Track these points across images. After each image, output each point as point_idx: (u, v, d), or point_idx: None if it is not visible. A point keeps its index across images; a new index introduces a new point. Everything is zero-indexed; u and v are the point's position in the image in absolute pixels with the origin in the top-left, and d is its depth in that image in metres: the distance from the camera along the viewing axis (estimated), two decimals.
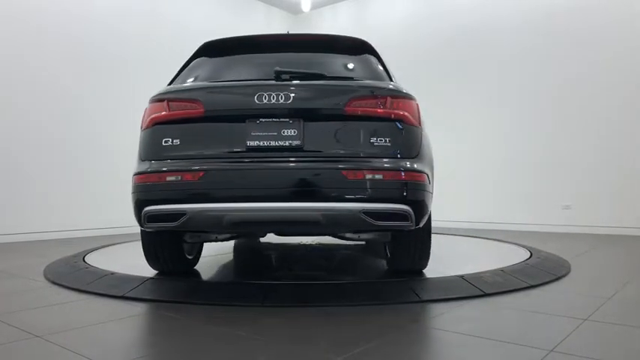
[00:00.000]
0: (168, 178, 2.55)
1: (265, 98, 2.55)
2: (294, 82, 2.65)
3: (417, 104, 2.76)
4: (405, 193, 2.47)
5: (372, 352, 1.84)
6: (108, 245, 4.76)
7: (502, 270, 3.18)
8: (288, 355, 1.84)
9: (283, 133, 2.54)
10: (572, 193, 6.59)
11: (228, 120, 2.62)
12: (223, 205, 2.48)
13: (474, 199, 7.38)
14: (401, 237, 2.93)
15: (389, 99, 2.61)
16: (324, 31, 9.37)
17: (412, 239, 2.90)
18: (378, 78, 2.83)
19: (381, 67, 2.95)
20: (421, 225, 2.67)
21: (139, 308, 2.55)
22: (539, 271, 3.30)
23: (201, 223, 2.60)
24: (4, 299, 2.82)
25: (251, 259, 4.20)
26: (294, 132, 2.53)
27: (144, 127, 2.76)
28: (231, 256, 4.20)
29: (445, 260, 3.89)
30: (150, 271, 3.24)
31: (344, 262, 4.02)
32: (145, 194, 2.60)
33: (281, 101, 2.54)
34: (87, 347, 1.94)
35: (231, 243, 4.89)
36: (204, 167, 2.52)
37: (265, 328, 2.19)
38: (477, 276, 2.97)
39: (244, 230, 3.09)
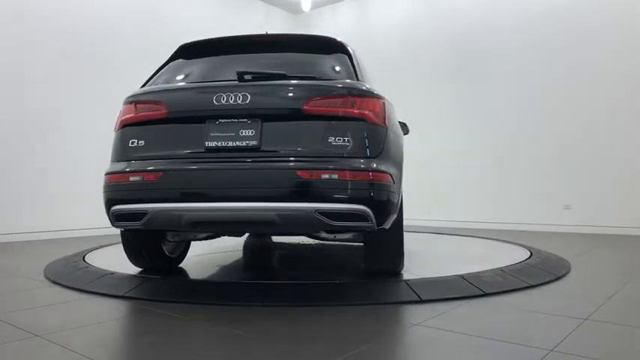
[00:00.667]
0: (132, 179, 2.62)
1: (224, 99, 2.58)
2: (252, 82, 2.64)
3: (383, 103, 2.71)
4: (362, 193, 2.44)
5: (372, 352, 1.84)
6: (108, 245, 4.76)
7: (502, 270, 3.18)
8: (288, 355, 1.84)
9: (241, 133, 2.56)
10: (572, 193, 6.59)
11: (190, 121, 2.65)
12: (181, 205, 2.53)
13: (475, 199, 7.38)
14: (371, 237, 2.88)
15: (349, 98, 2.58)
16: (324, 31, 9.37)
17: (382, 240, 2.86)
18: (346, 77, 2.78)
19: (351, 67, 2.87)
20: (387, 226, 2.65)
21: (139, 308, 2.55)
22: (539, 270, 3.30)
23: (162, 223, 2.65)
24: (4, 298, 2.82)
25: (252, 258, 4.20)
26: (252, 132, 2.55)
27: (115, 129, 2.84)
28: (231, 255, 4.20)
29: (445, 260, 3.89)
30: (150, 271, 3.24)
31: (344, 261, 4.02)
32: (112, 194, 2.69)
33: (239, 102, 2.56)
34: (87, 347, 1.94)
35: (235, 241, 4.89)
36: (164, 168, 2.57)
37: (265, 327, 2.19)
38: (477, 276, 2.97)
39: (203, 230, 3.09)
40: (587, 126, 6.53)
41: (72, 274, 3.27)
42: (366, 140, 2.54)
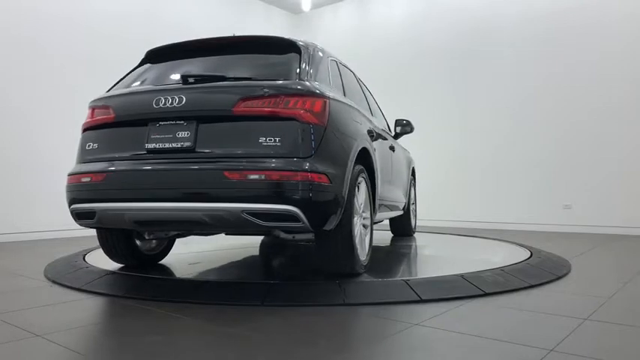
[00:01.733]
0: (83, 180, 2.79)
1: (162, 102, 2.66)
2: (190, 85, 2.71)
3: (325, 102, 2.68)
4: (289, 194, 2.44)
5: (372, 352, 1.84)
6: None
7: (502, 269, 3.18)
8: (288, 355, 1.84)
9: (178, 135, 2.62)
10: (572, 193, 6.59)
11: (134, 124, 2.77)
12: (123, 205, 2.67)
13: (475, 199, 7.38)
14: (319, 238, 2.86)
15: (281, 98, 2.58)
16: (323, 31, 9.38)
17: (329, 241, 2.82)
18: (289, 77, 2.77)
19: (298, 66, 2.86)
20: (328, 227, 2.66)
21: (139, 307, 2.55)
22: (540, 270, 3.30)
23: (110, 221, 2.81)
24: (4, 298, 2.82)
25: (254, 257, 4.19)
26: (187, 134, 2.61)
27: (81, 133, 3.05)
28: (232, 255, 4.20)
29: (446, 259, 3.89)
30: (151, 271, 3.24)
31: None
32: (69, 194, 2.90)
33: (175, 104, 2.63)
34: (87, 346, 1.94)
35: (235, 240, 4.89)
36: (109, 169, 2.72)
37: (265, 327, 2.19)
38: (477, 275, 2.97)
39: (149, 229, 3.18)
40: (588, 126, 6.53)
41: (72, 274, 3.27)
42: (298, 140, 2.52)
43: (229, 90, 2.67)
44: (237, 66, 3.00)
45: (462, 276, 2.93)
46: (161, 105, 2.66)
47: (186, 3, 7.69)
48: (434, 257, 4.08)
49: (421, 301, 2.58)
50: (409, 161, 5.36)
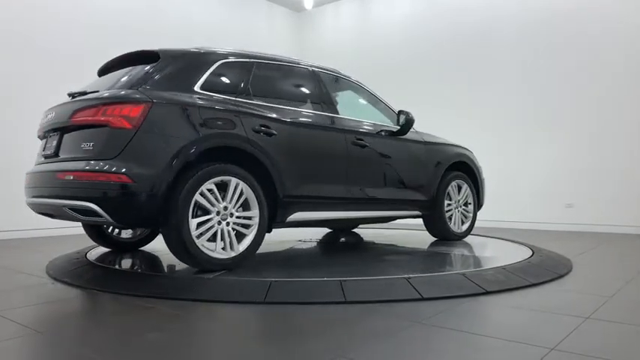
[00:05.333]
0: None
1: (47, 117, 3.31)
2: (62, 102, 3.25)
3: (143, 107, 2.84)
4: (89, 192, 2.77)
5: (373, 351, 1.84)
6: None
7: (504, 268, 3.18)
8: (288, 353, 1.84)
9: (52, 143, 3.18)
10: (574, 192, 6.58)
11: (44, 136, 3.39)
12: (29, 200, 3.31)
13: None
14: (163, 231, 3.09)
15: (100, 107, 2.89)
16: (325, 29, 9.38)
17: (168, 236, 2.96)
18: (130, 86, 3.04)
19: (146, 75, 3.10)
20: (132, 222, 3.12)
21: (140, 305, 2.56)
22: (541, 269, 3.30)
23: (37, 211, 3.35)
24: (7, 295, 2.83)
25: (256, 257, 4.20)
26: (55, 142, 3.14)
27: None
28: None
29: (447, 257, 3.89)
30: (151, 269, 3.24)
31: (345, 259, 4.02)
32: None
33: (50, 118, 3.24)
34: (88, 344, 1.95)
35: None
36: (29, 171, 3.38)
37: (266, 325, 2.19)
38: (479, 274, 2.97)
39: (45, 216, 3.50)
40: (589, 125, 6.51)
41: (74, 271, 3.28)
42: (106, 143, 2.82)
43: (72, 103, 3.11)
44: (111, 81, 3.27)
45: (463, 274, 2.93)
46: (46, 119, 3.30)
47: (188, 1, 7.69)
48: (435, 255, 4.08)
49: (422, 299, 2.58)
50: (432, 156, 4.61)
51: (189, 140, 2.95)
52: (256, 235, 3.20)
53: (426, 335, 2.02)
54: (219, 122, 3.14)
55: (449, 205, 4.70)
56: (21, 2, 5.85)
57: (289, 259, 4.11)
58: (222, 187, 3.07)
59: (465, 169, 4.97)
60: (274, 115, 3.42)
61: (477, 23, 7.54)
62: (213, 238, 3.03)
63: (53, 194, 2.97)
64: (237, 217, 3.13)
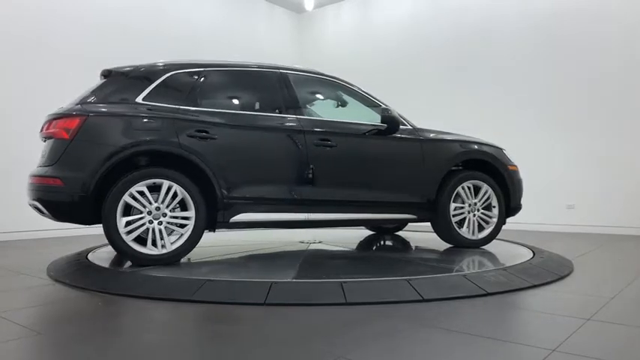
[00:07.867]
0: None
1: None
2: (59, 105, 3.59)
3: (81, 120, 3.24)
4: (34, 194, 3.33)
5: (374, 352, 1.84)
6: None
7: (505, 269, 3.17)
8: (289, 354, 1.84)
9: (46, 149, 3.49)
10: (575, 193, 6.57)
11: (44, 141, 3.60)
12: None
13: None
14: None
15: (52, 121, 3.37)
16: (326, 30, 9.38)
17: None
18: (78, 102, 3.43)
19: (94, 91, 3.51)
20: (68, 219, 3.41)
21: (141, 306, 2.56)
22: (542, 270, 3.29)
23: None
24: (8, 296, 2.83)
25: (252, 256, 4.20)
26: (47, 149, 3.41)
27: None
28: (233, 253, 4.20)
29: (448, 259, 3.88)
30: (153, 270, 3.24)
31: (345, 260, 4.02)
32: None
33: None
34: (89, 344, 1.94)
35: (236, 238, 4.89)
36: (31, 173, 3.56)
37: (266, 327, 2.19)
38: (480, 275, 2.97)
39: None
40: (590, 125, 6.50)
41: (74, 273, 3.28)
42: (51, 152, 3.30)
43: (49, 117, 3.46)
44: (78, 96, 3.62)
45: (464, 275, 2.92)
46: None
47: (189, 2, 7.69)
48: (436, 256, 4.08)
49: (423, 300, 2.58)
50: (430, 154, 4.21)
51: (119, 146, 3.24)
52: (192, 234, 3.36)
53: (427, 337, 2.02)
54: (151, 129, 3.37)
55: (459, 208, 4.23)
56: (21, 2, 5.85)
57: (289, 259, 4.11)
58: (159, 189, 3.31)
59: (489, 169, 4.50)
60: (216, 120, 3.53)
61: (477, 24, 7.54)
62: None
63: (32, 195, 3.41)
64: (173, 217, 3.32)
